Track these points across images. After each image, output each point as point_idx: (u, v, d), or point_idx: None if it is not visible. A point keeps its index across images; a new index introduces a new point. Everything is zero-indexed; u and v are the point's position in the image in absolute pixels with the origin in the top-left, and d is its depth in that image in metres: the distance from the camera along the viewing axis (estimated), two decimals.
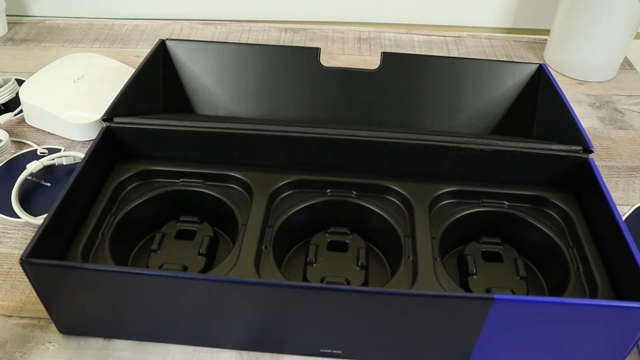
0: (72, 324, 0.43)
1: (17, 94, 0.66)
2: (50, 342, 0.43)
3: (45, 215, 0.44)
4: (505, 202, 0.50)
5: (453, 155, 0.49)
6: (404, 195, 0.49)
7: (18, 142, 0.63)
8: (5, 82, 0.68)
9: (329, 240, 0.49)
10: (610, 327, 0.38)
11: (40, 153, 0.61)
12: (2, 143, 0.60)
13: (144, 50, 0.81)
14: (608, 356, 0.40)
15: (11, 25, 0.87)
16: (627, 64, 0.83)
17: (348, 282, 0.45)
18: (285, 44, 0.85)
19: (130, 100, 0.52)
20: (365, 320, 0.39)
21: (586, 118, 0.72)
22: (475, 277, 0.46)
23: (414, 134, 0.49)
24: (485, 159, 0.49)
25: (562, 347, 0.40)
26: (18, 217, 0.53)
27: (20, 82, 0.72)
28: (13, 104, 0.68)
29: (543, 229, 0.48)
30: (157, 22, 0.90)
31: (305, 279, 0.46)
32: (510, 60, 0.79)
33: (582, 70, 0.79)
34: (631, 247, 0.40)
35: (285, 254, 0.49)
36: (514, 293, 0.45)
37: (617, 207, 0.44)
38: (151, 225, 0.50)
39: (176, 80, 0.60)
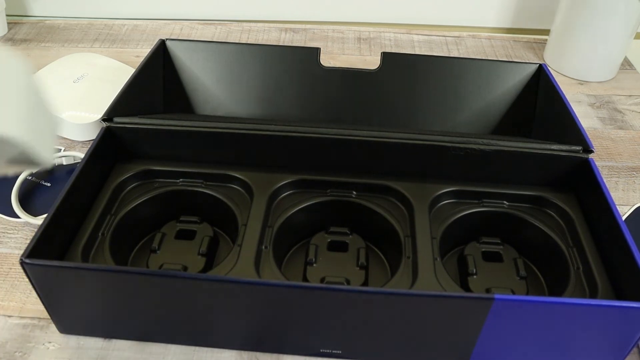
0: (72, 324, 0.43)
1: None
2: (50, 342, 0.43)
3: (45, 215, 0.44)
4: (505, 202, 0.50)
5: (453, 155, 0.49)
6: (404, 195, 0.49)
7: None
8: None
9: (329, 240, 0.49)
10: (610, 327, 0.38)
11: None
12: None
13: (144, 50, 0.81)
14: (608, 356, 0.40)
15: (11, 25, 0.87)
16: (627, 64, 0.83)
17: (348, 282, 0.45)
18: (285, 44, 0.85)
19: (130, 100, 0.52)
20: (365, 320, 0.39)
21: (586, 118, 0.72)
22: (475, 277, 0.46)
23: (414, 134, 0.49)
24: (485, 159, 0.49)
25: (562, 347, 0.40)
26: (18, 217, 0.53)
27: None
28: None
29: (543, 229, 0.48)
30: (157, 22, 0.90)
31: (305, 279, 0.46)
32: (510, 60, 0.79)
33: (582, 70, 0.79)
34: (631, 247, 0.40)
35: (285, 254, 0.49)
36: (514, 293, 0.45)
37: (617, 207, 0.44)
38: (151, 225, 0.50)
39: (176, 80, 0.60)
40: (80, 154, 0.59)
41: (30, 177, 0.58)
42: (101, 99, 0.59)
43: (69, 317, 0.43)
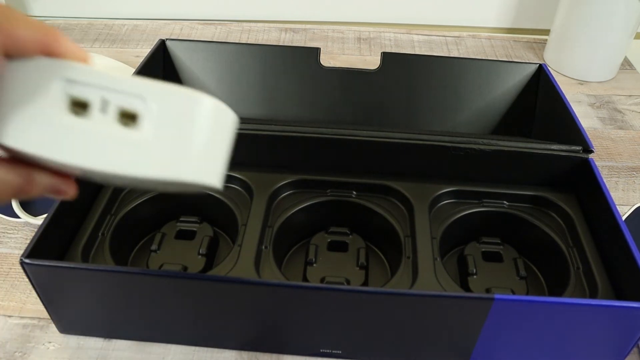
0: (72, 324, 0.43)
1: None
2: (50, 342, 0.43)
3: (45, 215, 0.44)
4: (505, 202, 0.50)
5: (453, 155, 0.49)
6: (404, 195, 0.49)
7: None
8: None
9: (329, 240, 0.49)
10: (610, 327, 0.38)
11: None
12: None
13: (144, 50, 0.81)
14: (608, 356, 0.40)
15: None
16: (627, 64, 0.83)
17: (348, 282, 0.45)
18: (285, 44, 0.85)
19: None
20: (365, 320, 0.39)
21: (586, 118, 0.72)
22: (475, 277, 0.46)
23: (413, 134, 0.49)
24: (485, 159, 0.49)
25: (562, 347, 0.40)
26: (18, 217, 0.53)
27: None
28: None
29: (543, 229, 0.48)
30: (157, 22, 0.90)
31: (305, 279, 0.46)
32: (510, 60, 0.79)
33: (582, 70, 0.79)
34: (631, 247, 0.40)
35: (285, 254, 0.49)
36: (514, 293, 0.45)
37: (617, 207, 0.44)
38: (151, 225, 0.50)
39: (176, 80, 0.60)
40: None
41: None
42: None
43: (69, 317, 0.43)
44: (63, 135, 0.24)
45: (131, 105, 0.25)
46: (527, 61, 0.65)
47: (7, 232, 0.53)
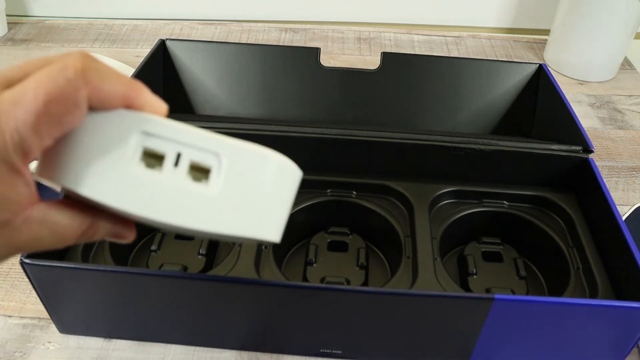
0: (72, 324, 0.43)
1: None
2: (50, 342, 0.43)
3: None
4: (505, 202, 0.50)
5: (453, 155, 0.49)
6: (404, 195, 0.49)
7: None
8: None
9: (329, 240, 0.49)
10: (610, 327, 0.38)
11: None
12: None
13: (144, 50, 0.81)
14: (608, 356, 0.40)
15: (11, 25, 0.87)
16: (627, 64, 0.83)
17: (348, 282, 0.45)
18: (285, 44, 0.85)
19: None
20: (365, 320, 0.39)
21: (586, 118, 0.72)
22: (475, 277, 0.46)
23: (413, 134, 0.49)
24: (485, 159, 0.49)
25: (562, 347, 0.40)
26: None
27: None
28: None
29: (543, 228, 0.48)
30: (157, 22, 0.90)
31: (305, 279, 0.46)
32: (510, 60, 0.79)
33: (582, 70, 0.79)
34: (631, 247, 0.40)
35: (285, 254, 0.49)
36: (514, 293, 0.45)
37: (617, 207, 0.44)
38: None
39: (176, 80, 0.60)
40: None
41: None
42: None
43: (69, 317, 0.43)
44: (135, 187, 0.24)
45: (204, 160, 0.25)
46: (527, 61, 0.65)
47: None
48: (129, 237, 0.28)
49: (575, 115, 0.51)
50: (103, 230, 0.27)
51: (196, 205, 0.25)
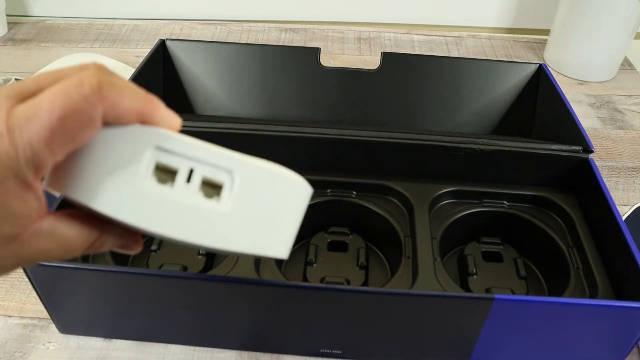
0: (72, 324, 0.43)
1: None
2: (50, 342, 0.43)
3: None
4: (505, 202, 0.50)
5: (453, 155, 0.49)
6: (404, 195, 0.49)
7: None
8: (6, 82, 0.68)
9: (329, 240, 0.49)
10: (610, 327, 0.38)
11: None
12: None
13: (144, 50, 0.81)
14: (608, 356, 0.40)
15: (11, 25, 0.87)
16: (627, 64, 0.83)
17: (348, 282, 0.45)
18: (285, 44, 0.85)
19: None
20: (365, 320, 0.39)
21: (586, 118, 0.72)
22: (475, 277, 0.46)
23: (413, 134, 0.49)
24: (485, 159, 0.49)
25: (562, 347, 0.40)
26: None
27: None
28: None
29: (543, 228, 0.48)
30: (157, 22, 0.90)
31: (305, 279, 0.46)
32: (510, 60, 0.79)
33: (582, 70, 0.79)
34: (631, 247, 0.40)
35: None
36: (514, 293, 0.45)
37: (617, 207, 0.44)
38: None
39: (176, 80, 0.60)
40: None
41: None
42: None
43: (69, 317, 0.43)
44: (146, 202, 0.24)
45: (217, 176, 0.25)
46: (527, 61, 0.65)
47: None
48: (135, 249, 0.28)
49: (575, 115, 0.51)
50: (110, 243, 0.26)
51: (207, 222, 0.25)
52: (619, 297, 0.41)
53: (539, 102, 0.58)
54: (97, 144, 0.23)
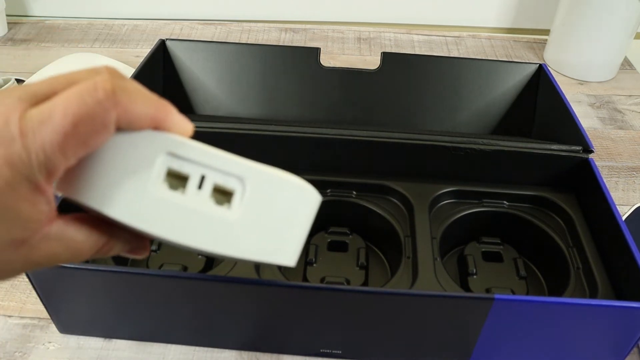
0: (72, 324, 0.43)
1: None
2: (50, 342, 0.43)
3: None
4: (505, 202, 0.50)
5: (453, 155, 0.49)
6: (404, 195, 0.49)
7: None
8: (5, 82, 0.68)
9: (329, 240, 0.49)
10: (610, 327, 0.38)
11: None
12: None
13: (144, 50, 0.81)
14: (608, 356, 0.40)
15: (11, 25, 0.87)
16: (627, 64, 0.83)
17: (348, 282, 0.45)
18: (285, 44, 0.85)
19: None
20: (365, 320, 0.39)
21: (586, 118, 0.72)
22: (475, 277, 0.46)
23: (413, 134, 0.49)
24: (485, 159, 0.49)
25: (562, 347, 0.40)
26: None
27: (20, 82, 0.72)
28: None
29: (543, 228, 0.48)
30: (157, 22, 0.90)
31: (305, 279, 0.46)
32: (510, 60, 0.79)
33: (582, 70, 0.79)
34: (631, 247, 0.40)
35: None
36: (514, 293, 0.45)
37: (617, 207, 0.44)
38: None
39: (176, 80, 0.60)
40: None
41: None
42: None
43: (69, 317, 0.43)
44: (157, 208, 0.24)
45: (228, 183, 0.25)
46: (527, 61, 0.65)
47: None
48: (143, 253, 0.28)
49: (575, 115, 0.51)
50: (118, 247, 0.26)
51: (217, 229, 0.25)
52: (619, 297, 0.41)
53: (539, 102, 0.58)
54: (108, 149, 0.23)
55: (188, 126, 0.25)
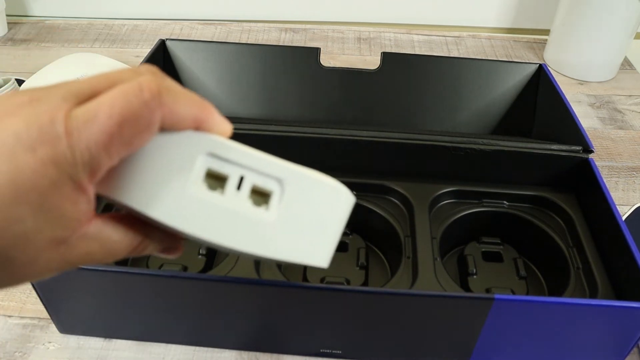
0: (72, 324, 0.43)
1: None
2: (50, 342, 0.43)
3: None
4: (505, 202, 0.50)
5: (453, 155, 0.49)
6: (404, 195, 0.49)
7: None
8: (5, 82, 0.68)
9: None
10: (610, 327, 0.38)
11: None
12: None
13: (144, 50, 0.81)
14: (608, 356, 0.40)
15: (11, 25, 0.87)
16: (627, 64, 0.83)
17: (348, 282, 0.45)
18: (285, 44, 0.85)
19: None
20: (365, 320, 0.39)
21: (586, 118, 0.72)
22: (475, 277, 0.46)
23: (414, 134, 0.49)
24: (485, 159, 0.49)
25: (562, 347, 0.40)
26: None
27: (20, 82, 0.72)
28: None
29: (543, 228, 0.48)
30: (157, 22, 0.90)
31: (305, 279, 0.46)
32: (510, 60, 0.79)
33: (582, 70, 0.79)
34: (631, 247, 0.40)
35: None
36: (514, 293, 0.45)
37: (617, 207, 0.44)
38: None
39: (176, 80, 0.59)
40: None
41: None
42: None
43: (69, 317, 0.43)
44: (196, 208, 0.24)
45: (266, 185, 0.25)
46: (527, 61, 0.65)
47: None
48: (176, 253, 0.28)
49: (575, 115, 0.51)
50: (152, 247, 0.26)
51: (254, 230, 0.25)
52: (619, 297, 0.41)
53: (539, 102, 0.58)
54: (149, 149, 0.23)
55: (228, 127, 0.25)
